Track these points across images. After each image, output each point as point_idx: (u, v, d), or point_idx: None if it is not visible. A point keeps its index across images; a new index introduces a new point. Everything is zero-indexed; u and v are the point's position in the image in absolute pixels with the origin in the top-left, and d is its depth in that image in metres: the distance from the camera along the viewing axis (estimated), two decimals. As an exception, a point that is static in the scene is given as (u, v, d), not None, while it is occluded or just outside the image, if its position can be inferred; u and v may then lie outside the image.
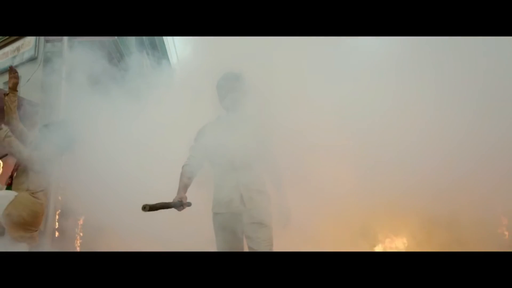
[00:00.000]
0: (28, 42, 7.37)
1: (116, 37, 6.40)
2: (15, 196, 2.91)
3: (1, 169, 5.90)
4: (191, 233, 3.07)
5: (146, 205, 2.12)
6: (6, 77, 7.79)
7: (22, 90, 7.30)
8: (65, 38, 5.99)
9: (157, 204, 2.20)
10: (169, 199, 3.64)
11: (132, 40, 10.80)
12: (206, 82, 3.77)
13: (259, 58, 3.49)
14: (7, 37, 7.89)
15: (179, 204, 2.33)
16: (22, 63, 7.52)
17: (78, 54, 6.34)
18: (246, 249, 2.41)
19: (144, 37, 12.35)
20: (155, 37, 13.79)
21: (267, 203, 2.44)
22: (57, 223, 4.82)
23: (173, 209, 2.55)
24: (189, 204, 2.40)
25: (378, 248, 3.85)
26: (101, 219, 4.13)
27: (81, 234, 4.25)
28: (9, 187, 3.02)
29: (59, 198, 4.86)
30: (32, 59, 7.31)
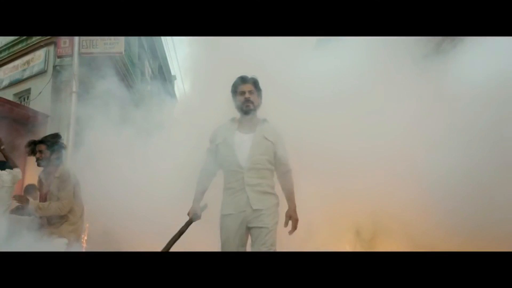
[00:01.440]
0: (38, 56, 7.70)
1: (122, 51, 6.73)
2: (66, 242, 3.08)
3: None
4: (202, 236, 3.21)
5: (163, 250, 2.33)
6: (16, 89, 8.18)
7: (33, 102, 7.63)
8: (76, 53, 6.31)
9: (170, 240, 2.37)
10: (175, 205, 3.88)
11: (135, 51, 11.15)
12: (214, 91, 3.91)
13: (268, 65, 3.63)
14: (17, 50, 8.21)
15: (191, 222, 2.43)
16: (32, 76, 7.86)
17: (87, 68, 6.65)
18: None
19: (145, 47, 12.70)
20: (156, 47, 14.16)
21: (275, 205, 2.44)
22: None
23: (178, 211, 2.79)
24: (204, 208, 2.50)
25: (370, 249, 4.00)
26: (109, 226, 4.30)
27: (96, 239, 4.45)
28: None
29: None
30: (42, 73, 7.63)
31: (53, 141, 3.11)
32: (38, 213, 2.88)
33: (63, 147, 3.15)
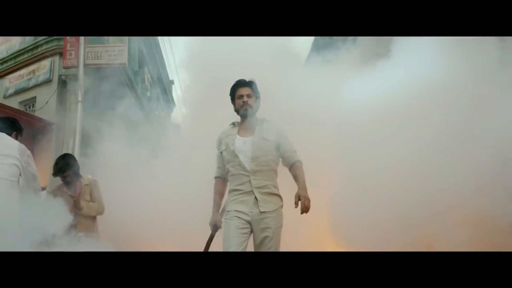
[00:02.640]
0: (43, 66, 7.98)
1: (126, 62, 7.02)
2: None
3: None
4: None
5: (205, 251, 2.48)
6: (21, 97, 8.45)
7: (39, 110, 7.90)
8: (81, 64, 6.60)
9: (204, 249, 2.54)
10: (181, 209, 4.12)
11: (135, 59, 11.42)
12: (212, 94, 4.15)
13: (268, 69, 3.80)
14: (23, 60, 8.49)
15: (218, 228, 2.50)
16: (37, 85, 8.13)
17: (91, 78, 6.93)
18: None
19: (144, 54, 12.98)
20: (155, 52, 14.46)
21: (280, 207, 2.46)
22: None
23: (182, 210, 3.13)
24: (225, 210, 2.52)
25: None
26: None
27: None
28: None
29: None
30: (47, 82, 7.91)
31: (70, 165, 3.49)
32: (84, 210, 3.35)
33: (78, 166, 3.59)
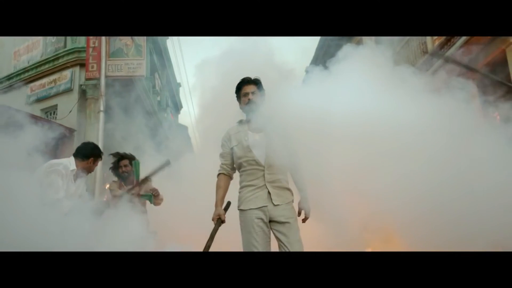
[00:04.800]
0: (64, 76, 8.47)
1: (144, 74, 7.47)
2: None
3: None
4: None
5: (204, 250, 2.32)
6: (43, 105, 8.94)
7: (61, 119, 8.38)
8: (102, 76, 7.07)
9: (207, 243, 2.36)
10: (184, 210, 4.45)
11: (148, 66, 11.88)
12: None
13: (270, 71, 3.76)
14: (44, 70, 8.98)
15: (221, 223, 2.45)
16: (59, 94, 8.63)
17: (111, 87, 7.38)
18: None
19: (155, 60, 13.43)
20: (164, 57, 14.90)
21: (291, 200, 2.49)
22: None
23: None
24: (227, 207, 2.55)
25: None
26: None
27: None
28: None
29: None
30: (68, 91, 8.40)
31: (132, 157, 3.64)
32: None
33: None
